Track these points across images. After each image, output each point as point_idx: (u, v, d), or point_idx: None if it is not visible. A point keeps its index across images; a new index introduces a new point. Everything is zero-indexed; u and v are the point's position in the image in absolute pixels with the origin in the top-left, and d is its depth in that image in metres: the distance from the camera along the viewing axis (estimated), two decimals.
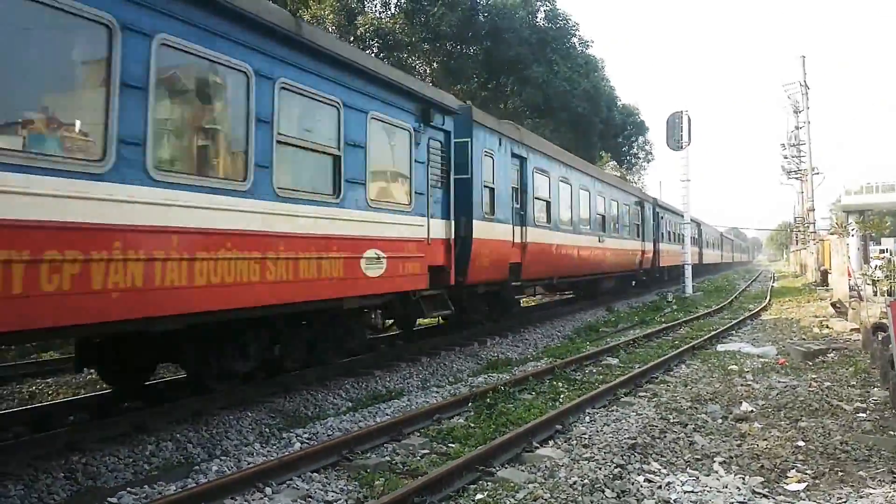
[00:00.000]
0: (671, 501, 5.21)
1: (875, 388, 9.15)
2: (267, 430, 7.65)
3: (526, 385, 9.56)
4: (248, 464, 6.13)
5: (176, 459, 6.57)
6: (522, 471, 5.95)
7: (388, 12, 32.25)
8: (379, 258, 9.25)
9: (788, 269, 75.66)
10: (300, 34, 7.75)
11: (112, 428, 6.86)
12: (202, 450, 6.86)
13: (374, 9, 32.16)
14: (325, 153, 8.39)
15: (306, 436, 7.22)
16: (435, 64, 34.98)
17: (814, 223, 44.02)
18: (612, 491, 5.36)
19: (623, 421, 7.61)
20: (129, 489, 5.47)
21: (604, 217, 22.12)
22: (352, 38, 28.67)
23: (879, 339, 10.40)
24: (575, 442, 6.80)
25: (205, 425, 7.35)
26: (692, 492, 5.40)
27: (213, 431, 7.26)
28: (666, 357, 11.81)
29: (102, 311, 5.51)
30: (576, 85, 34.86)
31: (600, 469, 5.82)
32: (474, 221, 12.41)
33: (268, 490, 5.42)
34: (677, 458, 6.31)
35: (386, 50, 31.02)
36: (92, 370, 9.35)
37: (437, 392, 9.60)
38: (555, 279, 18.10)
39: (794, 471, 5.93)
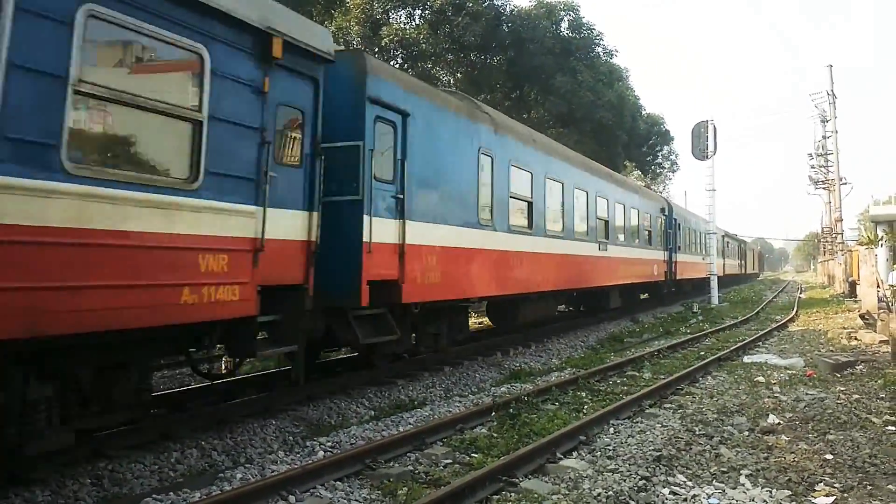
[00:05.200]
0: None
1: None
2: (290, 438, 7.69)
3: (549, 395, 9.51)
4: (272, 472, 6.17)
5: (200, 467, 6.62)
6: (546, 482, 5.93)
7: (413, 23, 32.30)
8: None
9: (816, 279, 74.58)
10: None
11: (138, 435, 6.93)
12: (226, 457, 6.91)
13: (398, 20, 32.26)
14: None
15: (329, 444, 7.25)
16: (459, 74, 35.05)
17: (842, 234, 43.45)
18: (637, 503, 5.32)
19: (648, 432, 7.54)
20: (154, 496, 5.53)
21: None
22: (376, 49, 28.83)
23: None
24: (599, 453, 6.76)
25: (229, 433, 7.40)
26: None
27: (238, 439, 7.32)
28: (691, 368, 11.70)
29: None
30: (600, 94, 34.63)
31: (625, 481, 5.78)
32: None
33: (291, 498, 5.46)
34: (703, 470, 6.23)
35: (410, 60, 31.16)
36: None
37: (460, 402, 9.60)
38: None
39: (821, 484, 5.84)
